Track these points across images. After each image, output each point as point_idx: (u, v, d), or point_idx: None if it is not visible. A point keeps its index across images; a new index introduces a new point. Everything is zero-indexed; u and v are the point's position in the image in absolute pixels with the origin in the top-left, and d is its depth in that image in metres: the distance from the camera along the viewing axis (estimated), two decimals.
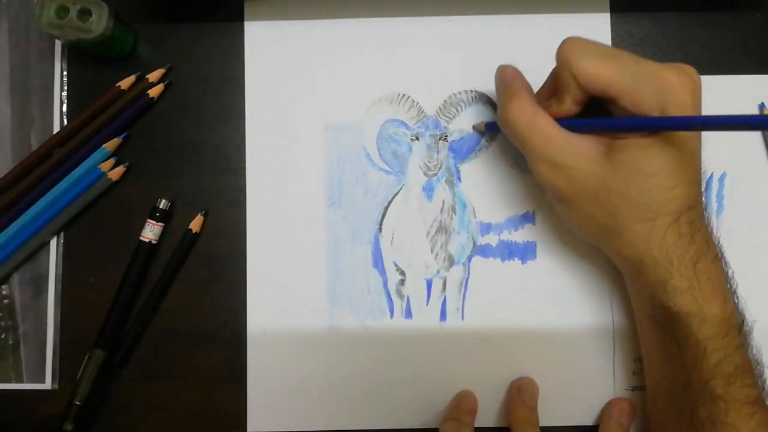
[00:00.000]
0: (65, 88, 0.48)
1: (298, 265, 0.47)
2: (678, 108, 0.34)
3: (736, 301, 0.39)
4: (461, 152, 0.47)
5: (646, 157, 0.35)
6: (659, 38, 0.48)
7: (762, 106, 0.47)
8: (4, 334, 0.47)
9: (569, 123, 0.38)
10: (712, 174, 0.47)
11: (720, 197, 0.47)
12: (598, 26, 0.48)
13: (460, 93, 0.47)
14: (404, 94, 0.47)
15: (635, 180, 0.36)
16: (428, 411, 0.46)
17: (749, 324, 0.39)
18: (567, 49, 0.36)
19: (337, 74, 0.47)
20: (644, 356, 0.43)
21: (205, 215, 0.47)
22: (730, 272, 0.39)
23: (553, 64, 0.47)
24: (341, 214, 0.47)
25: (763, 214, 0.47)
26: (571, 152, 0.37)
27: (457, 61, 0.47)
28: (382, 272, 0.46)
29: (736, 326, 0.37)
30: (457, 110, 0.47)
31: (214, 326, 0.47)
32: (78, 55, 0.48)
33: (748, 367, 0.37)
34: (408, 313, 0.46)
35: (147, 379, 0.47)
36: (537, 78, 0.47)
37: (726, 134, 0.46)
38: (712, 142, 0.44)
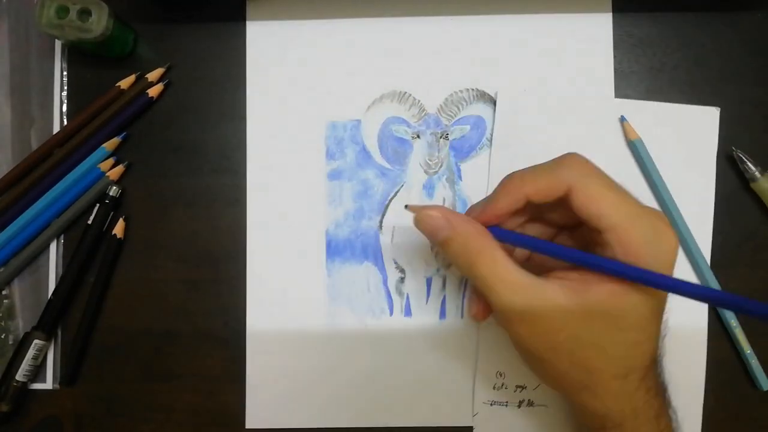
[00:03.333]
0: (65, 88, 0.48)
1: (297, 264, 0.46)
2: (665, 260, 0.32)
3: None
4: (462, 151, 0.47)
5: (622, 311, 0.32)
6: (660, 38, 0.48)
7: (622, 119, 0.46)
8: (4, 334, 0.47)
9: (506, 234, 0.34)
10: None
11: None
12: (599, 26, 0.47)
13: (461, 91, 0.47)
14: (405, 92, 0.47)
15: (610, 334, 0.32)
16: (427, 409, 0.46)
17: None
18: (577, 164, 0.33)
19: (338, 73, 0.48)
20: None
21: (126, 220, 0.47)
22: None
23: (554, 64, 0.47)
24: (341, 212, 0.47)
25: None
26: (541, 300, 0.33)
27: (459, 59, 0.47)
28: (382, 270, 0.46)
29: None
30: (459, 108, 0.47)
31: (214, 326, 0.47)
32: (78, 55, 0.48)
33: None
34: (408, 311, 0.46)
35: (147, 379, 0.47)
36: (539, 78, 0.47)
37: (609, 159, 0.43)
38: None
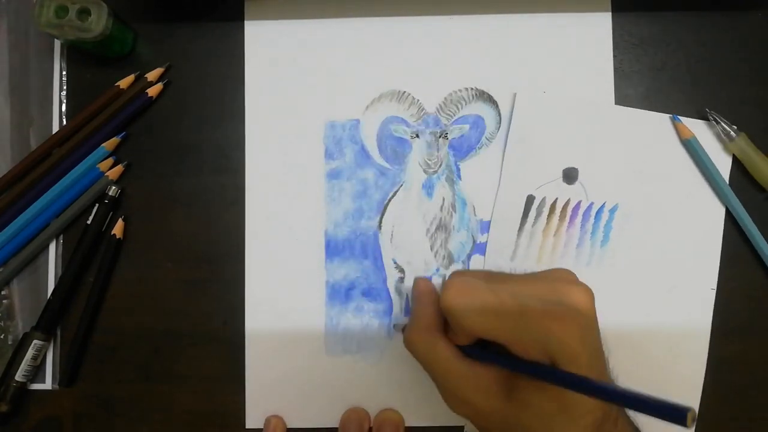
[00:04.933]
0: (64, 87, 0.48)
1: (297, 264, 0.46)
2: (567, 359, 0.32)
3: None
4: (461, 150, 0.47)
5: (544, 400, 0.33)
6: (659, 38, 0.48)
7: (675, 117, 0.46)
8: (3, 335, 0.47)
9: (473, 352, 0.36)
10: (604, 204, 0.46)
11: (608, 228, 0.46)
12: (599, 26, 0.47)
13: (460, 90, 0.47)
14: (405, 92, 0.47)
15: (538, 420, 0.34)
16: (427, 408, 0.46)
17: None
18: (450, 302, 0.35)
19: (337, 73, 0.47)
20: None
21: (126, 219, 0.47)
22: None
23: (553, 64, 0.47)
24: (340, 212, 0.47)
25: (646, 248, 0.46)
26: (472, 386, 0.35)
27: (458, 59, 0.47)
28: (382, 270, 0.46)
29: None
30: (458, 108, 0.47)
31: (214, 326, 0.47)
32: (77, 54, 0.48)
33: None
34: (407, 311, 0.46)
35: (146, 379, 0.47)
36: (539, 78, 0.47)
37: (618, 166, 0.46)
38: (605, 172, 0.46)
